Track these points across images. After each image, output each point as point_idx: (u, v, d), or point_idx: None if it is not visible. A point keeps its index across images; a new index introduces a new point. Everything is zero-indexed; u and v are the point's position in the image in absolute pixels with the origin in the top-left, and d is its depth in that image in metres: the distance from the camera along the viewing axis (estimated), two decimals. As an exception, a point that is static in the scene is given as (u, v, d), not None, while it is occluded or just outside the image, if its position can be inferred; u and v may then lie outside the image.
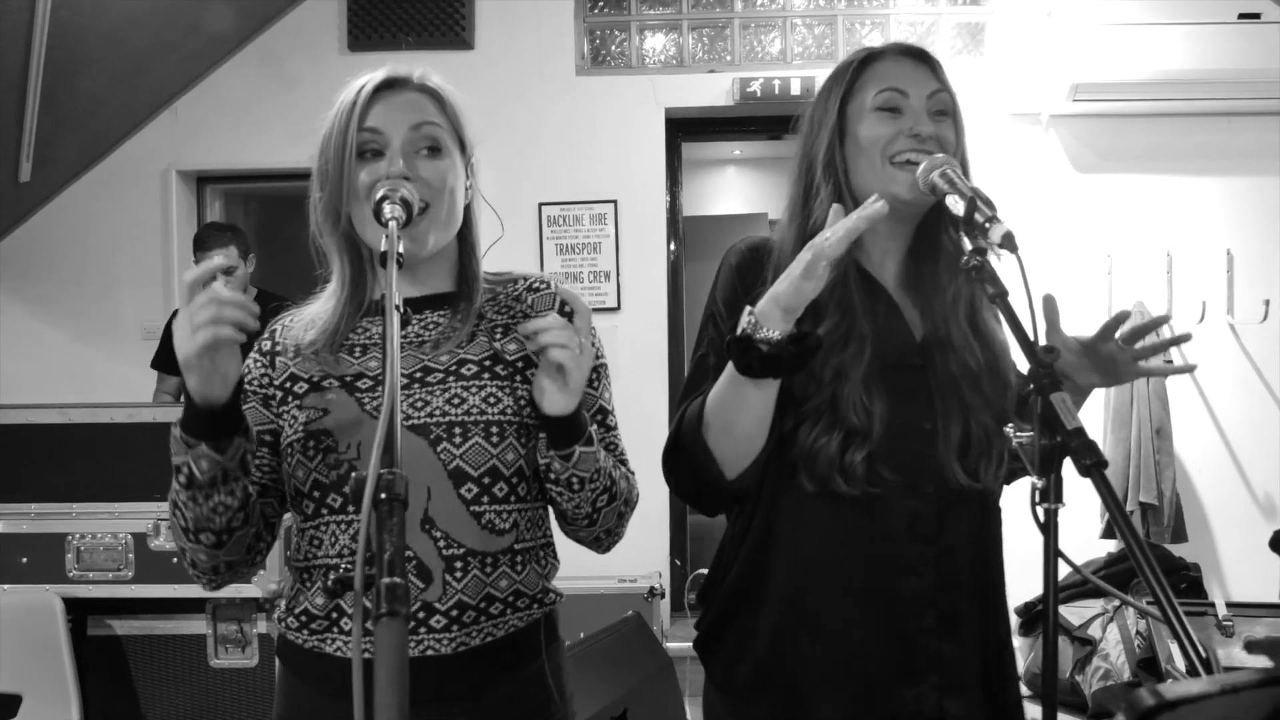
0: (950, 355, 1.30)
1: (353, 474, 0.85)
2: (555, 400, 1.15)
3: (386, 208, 1.11)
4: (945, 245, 1.33)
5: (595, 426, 1.25)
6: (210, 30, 4.02)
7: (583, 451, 1.18)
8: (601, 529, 1.27)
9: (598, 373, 1.31)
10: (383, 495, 0.81)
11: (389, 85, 1.23)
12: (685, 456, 1.26)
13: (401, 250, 1.05)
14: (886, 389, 1.25)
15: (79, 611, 2.72)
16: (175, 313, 3.99)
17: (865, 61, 1.32)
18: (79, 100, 3.85)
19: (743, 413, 1.20)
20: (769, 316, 1.14)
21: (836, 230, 1.13)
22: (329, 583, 0.87)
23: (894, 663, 1.27)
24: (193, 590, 2.63)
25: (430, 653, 1.17)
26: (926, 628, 1.27)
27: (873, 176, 1.28)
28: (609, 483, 1.23)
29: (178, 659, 2.72)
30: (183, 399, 1.11)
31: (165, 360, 3.79)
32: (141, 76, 4.02)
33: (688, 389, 1.33)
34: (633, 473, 1.33)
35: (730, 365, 1.18)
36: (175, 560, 2.66)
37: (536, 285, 1.31)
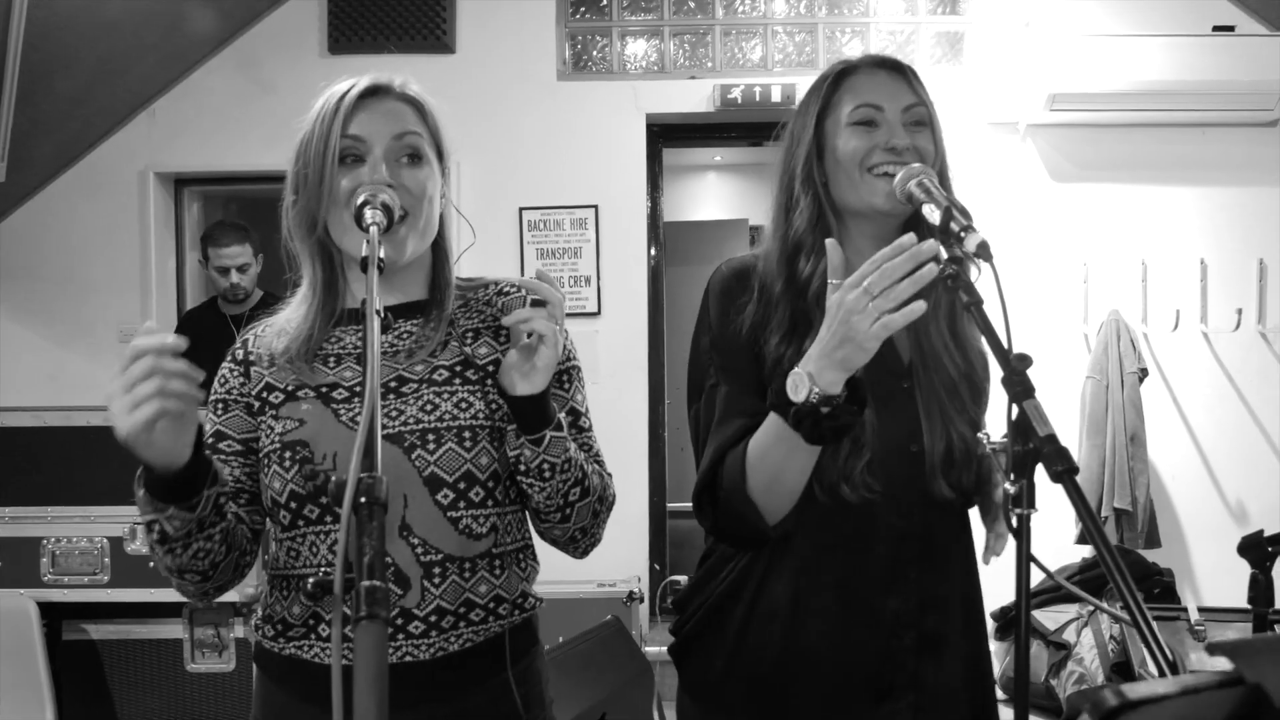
0: (933, 367, 1.31)
1: (332, 478, 0.84)
2: (523, 381, 1.15)
3: (368, 213, 1.11)
4: None
5: (569, 428, 1.25)
6: (189, 32, 4.00)
7: (553, 436, 1.18)
8: (576, 526, 1.26)
9: (569, 374, 1.31)
10: (363, 499, 0.81)
11: (371, 93, 1.24)
12: (728, 508, 1.26)
13: (383, 255, 1.06)
14: (882, 410, 1.26)
15: (54, 616, 2.70)
16: (189, 313, 3.89)
17: (841, 75, 1.34)
18: (56, 101, 3.82)
19: (792, 471, 1.21)
20: (827, 379, 1.10)
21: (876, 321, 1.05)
22: (308, 586, 0.86)
23: (872, 680, 1.29)
24: (169, 595, 2.61)
25: (409, 659, 1.17)
26: (907, 646, 1.29)
27: (851, 189, 1.30)
28: (580, 475, 1.22)
29: (154, 663, 2.70)
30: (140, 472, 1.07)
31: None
32: (119, 77, 3.99)
33: (710, 423, 1.31)
34: (610, 475, 1.33)
35: (778, 425, 1.16)
36: (151, 565, 2.64)
37: (507, 290, 1.32)
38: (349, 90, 1.22)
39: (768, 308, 1.30)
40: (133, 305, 4.24)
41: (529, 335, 1.14)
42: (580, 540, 1.30)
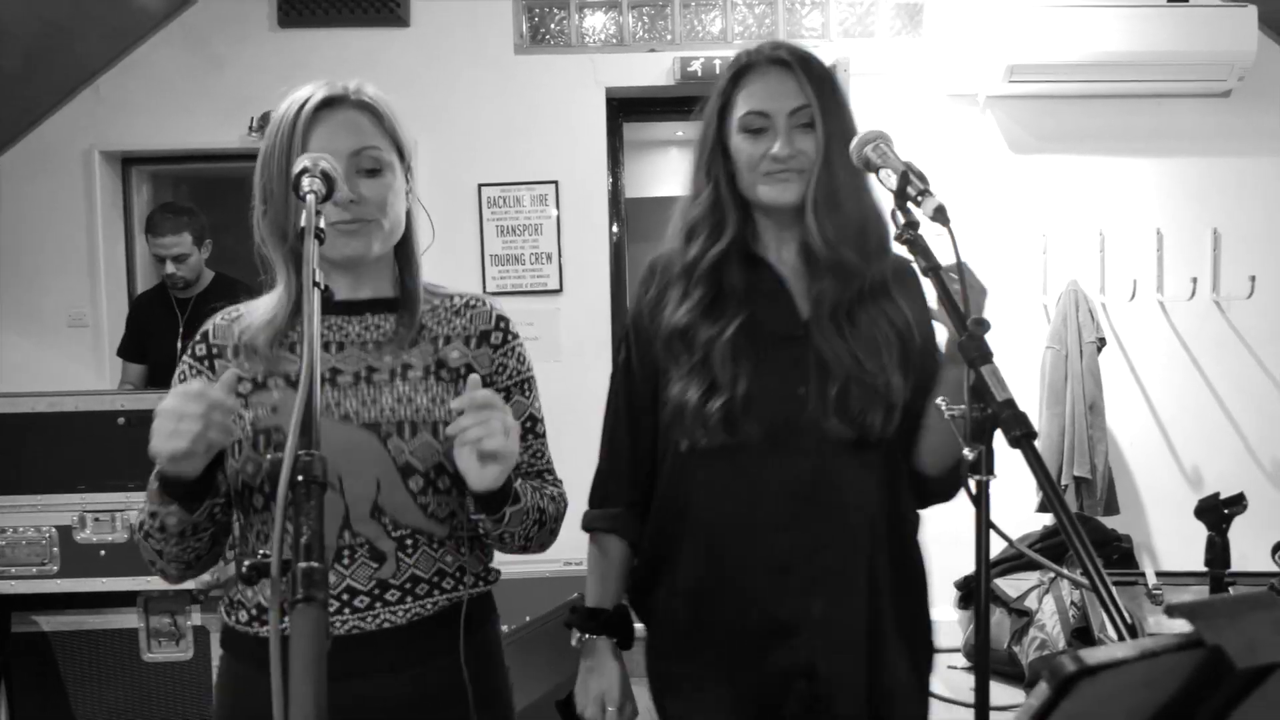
0: (835, 321, 1.36)
1: (268, 456, 0.82)
2: (483, 476, 1.14)
3: (305, 181, 1.09)
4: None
5: (525, 435, 1.33)
6: (134, 5, 3.88)
7: (512, 511, 1.22)
8: (535, 547, 1.33)
9: (529, 383, 1.37)
10: (300, 477, 0.79)
11: (326, 104, 1.25)
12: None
13: (322, 225, 1.05)
14: (766, 360, 1.35)
15: (2, 608, 2.62)
16: (140, 298, 3.82)
17: (739, 74, 1.41)
18: (-6, 77, 3.70)
19: None
20: None
21: None
22: (243, 570, 0.84)
23: (770, 621, 1.34)
24: (122, 584, 2.55)
25: (387, 625, 1.22)
26: (796, 586, 1.34)
27: (750, 188, 1.40)
28: (539, 515, 1.28)
29: (109, 654, 2.64)
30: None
31: (128, 348, 3.72)
32: (62, 53, 3.86)
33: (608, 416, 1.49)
34: (560, 482, 1.39)
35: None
36: (103, 553, 2.58)
37: (472, 303, 1.36)
38: (304, 104, 1.24)
39: (665, 289, 1.43)
40: (81, 289, 4.13)
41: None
42: (532, 549, 1.35)
